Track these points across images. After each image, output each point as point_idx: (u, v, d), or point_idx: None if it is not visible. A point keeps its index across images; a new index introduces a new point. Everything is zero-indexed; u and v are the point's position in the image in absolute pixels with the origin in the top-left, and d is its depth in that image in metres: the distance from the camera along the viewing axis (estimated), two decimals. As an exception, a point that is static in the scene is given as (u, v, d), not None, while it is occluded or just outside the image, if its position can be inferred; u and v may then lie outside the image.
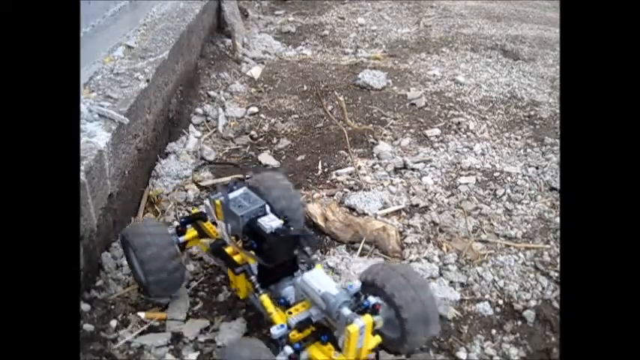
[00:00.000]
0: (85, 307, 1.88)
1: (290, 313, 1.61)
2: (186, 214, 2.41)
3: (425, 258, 2.17)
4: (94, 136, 2.06)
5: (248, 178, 1.94)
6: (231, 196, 1.83)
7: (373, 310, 1.57)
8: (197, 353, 1.76)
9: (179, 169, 2.69)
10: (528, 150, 2.98)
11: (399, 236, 2.27)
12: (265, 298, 1.65)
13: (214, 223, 1.94)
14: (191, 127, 3.12)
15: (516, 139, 3.10)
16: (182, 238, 1.94)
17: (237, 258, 1.77)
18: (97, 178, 1.98)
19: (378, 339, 1.60)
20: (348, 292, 1.59)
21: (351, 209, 2.45)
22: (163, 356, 1.75)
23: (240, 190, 1.87)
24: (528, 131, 3.19)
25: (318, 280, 1.59)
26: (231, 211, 1.76)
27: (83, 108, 2.18)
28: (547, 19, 5.42)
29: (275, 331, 1.53)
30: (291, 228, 1.73)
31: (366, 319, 1.50)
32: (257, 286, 1.69)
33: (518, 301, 1.98)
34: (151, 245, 1.77)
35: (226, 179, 2.62)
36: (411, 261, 2.15)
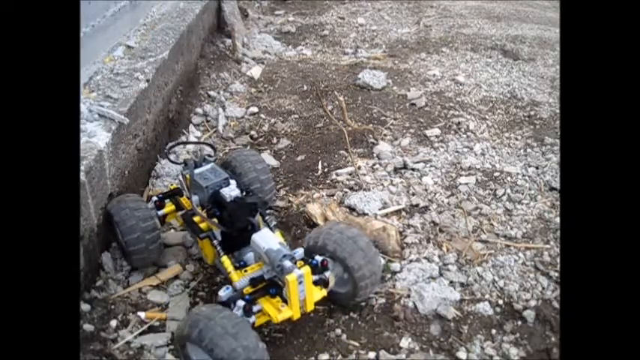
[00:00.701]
0: (85, 307, 1.88)
1: (246, 271, 1.78)
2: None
3: (425, 258, 2.17)
4: (94, 136, 2.06)
5: (213, 156, 2.18)
6: (198, 170, 2.03)
7: (322, 268, 1.75)
8: (197, 353, 1.76)
9: (179, 170, 2.69)
10: (528, 150, 2.98)
11: (399, 236, 2.27)
12: (225, 260, 1.80)
13: (189, 198, 2.09)
14: (191, 127, 3.12)
15: (516, 139, 3.10)
16: (161, 212, 2.12)
17: (203, 225, 1.94)
18: (97, 178, 1.98)
19: (323, 292, 1.76)
20: (293, 256, 1.71)
21: (351, 209, 2.45)
22: (163, 356, 1.76)
23: (208, 166, 2.06)
24: (528, 131, 3.19)
25: (264, 238, 1.74)
26: (198, 183, 1.96)
27: (83, 108, 2.18)
28: (547, 19, 5.41)
29: (222, 294, 1.67)
30: (250, 195, 1.96)
31: (305, 270, 1.66)
32: (219, 248, 1.84)
33: (518, 301, 1.98)
34: (131, 218, 1.93)
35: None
36: (411, 261, 2.15)
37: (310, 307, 1.73)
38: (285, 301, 1.70)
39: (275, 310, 1.68)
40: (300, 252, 1.79)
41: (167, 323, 1.88)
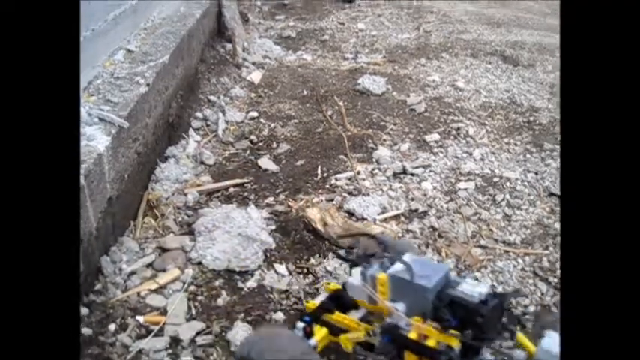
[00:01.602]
0: (83, 310, 1.88)
1: None
2: (186, 218, 2.42)
3: (424, 263, 2.17)
4: (94, 140, 2.06)
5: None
6: (394, 268, 1.50)
7: None
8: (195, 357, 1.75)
9: (179, 174, 2.69)
10: (527, 156, 2.98)
11: (398, 241, 2.27)
12: None
13: (344, 311, 1.62)
14: (191, 132, 3.12)
15: (515, 145, 3.10)
16: (313, 342, 1.57)
17: (430, 343, 1.40)
18: (97, 182, 1.98)
19: None
20: None
21: (350, 214, 2.45)
22: (161, 360, 1.75)
23: (407, 257, 1.51)
24: (527, 137, 3.19)
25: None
26: (417, 284, 1.43)
27: (83, 112, 2.18)
28: (547, 25, 5.43)
29: None
30: (499, 290, 1.47)
31: None
32: None
33: (517, 306, 1.98)
34: None
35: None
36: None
37: None
38: None
39: None
40: None
41: (165, 327, 1.87)
